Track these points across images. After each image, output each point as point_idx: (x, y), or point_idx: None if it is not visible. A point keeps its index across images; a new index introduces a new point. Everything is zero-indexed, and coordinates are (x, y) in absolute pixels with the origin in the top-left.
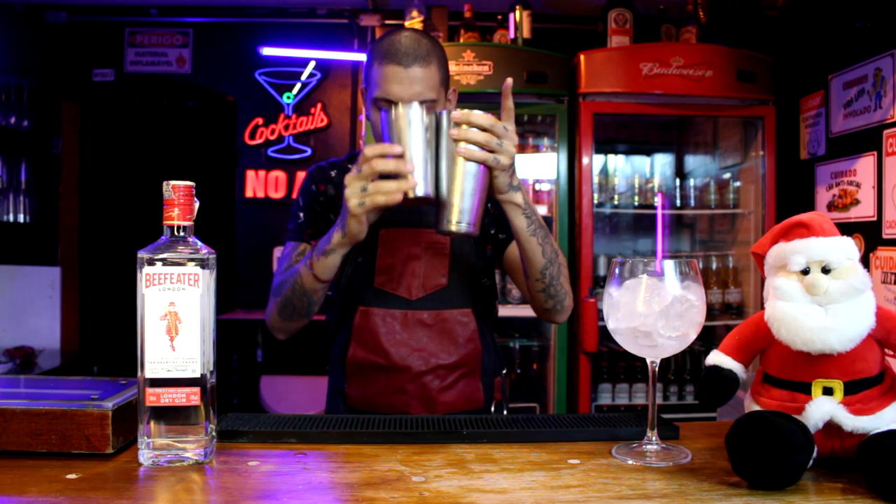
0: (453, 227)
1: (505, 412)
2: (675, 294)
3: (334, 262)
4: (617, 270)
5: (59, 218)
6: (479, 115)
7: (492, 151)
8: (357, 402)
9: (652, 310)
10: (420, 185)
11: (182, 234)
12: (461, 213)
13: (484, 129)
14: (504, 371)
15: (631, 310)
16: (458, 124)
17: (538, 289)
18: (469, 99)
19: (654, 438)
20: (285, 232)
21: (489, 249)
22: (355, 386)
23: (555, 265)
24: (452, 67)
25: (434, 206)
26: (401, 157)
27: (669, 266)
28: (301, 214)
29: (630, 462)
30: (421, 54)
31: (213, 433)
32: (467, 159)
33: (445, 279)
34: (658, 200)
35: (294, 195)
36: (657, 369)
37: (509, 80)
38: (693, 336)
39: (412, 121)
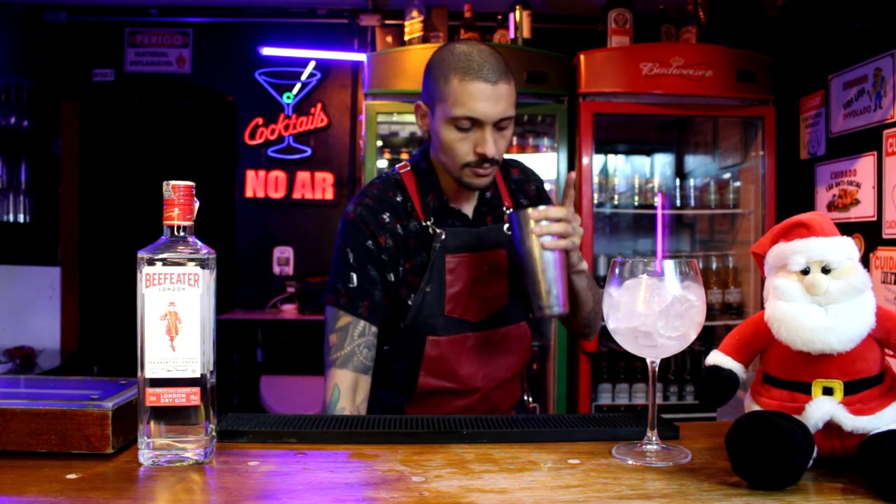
0: (547, 312)
1: (530, 398)
2: (675, 294)
3: None
4: (617, 270)
5: (59, 218)
6: (554, 210)
7: (567, 236)
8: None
9: (652, 310)
10: (556, 305)
11: (182, 234)
12: (552, 298)
13: (559, 220)
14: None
15: (631, 310)
16: (536, 220)
17: (581, 323)
18: None
19: (654, 438)
20: (332, 289)
21: None
22: (420, 407)
23: (597, 306)
24: None
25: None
26: None
27: (669, 266)
28: (353, 277)
29: (630, 462)
30: (502, 69)
31: (213, 433)
32: (549, 249)
33: (505, 298)
34: (658, 200)
35: (294, 195)
36: (657, 369)
37: (573, 175)
38: (693, 336)
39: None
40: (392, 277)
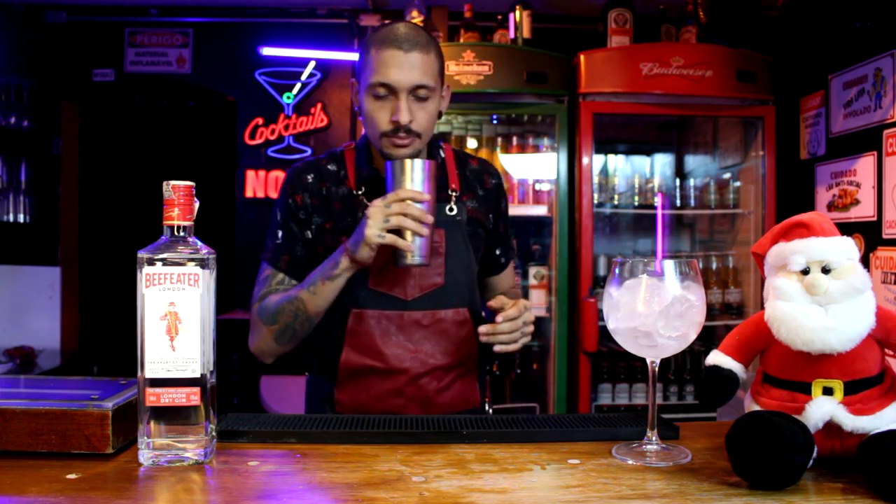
0: (409, 261)
1: (490, 410)
2: (675, 294)
3: (340, 285)
4: (617, 270)
5: (59, 218)
6: (505, 325)
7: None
8: (348, 408)
9: (652, 310)
10: (416, 253)
11: (182, 234)
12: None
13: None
14: (487, 368)
15: (631, 310)
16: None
17: None
18: (468, 99)
19: (654, 438)
20: (266, 245)
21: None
22: (347, 391)
23: None
24: (452, 67)
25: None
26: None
27: (669, 266)
28: (279, 234)
29: (630, 462)
30: (421, 42)
31: (213, 433)
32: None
33: (441, 278)
34: (658, 200)
35: None
36: (657, 369)
37: (501, 299)
38: (693, 336)
39: (423, 177)
40: (309, 235)
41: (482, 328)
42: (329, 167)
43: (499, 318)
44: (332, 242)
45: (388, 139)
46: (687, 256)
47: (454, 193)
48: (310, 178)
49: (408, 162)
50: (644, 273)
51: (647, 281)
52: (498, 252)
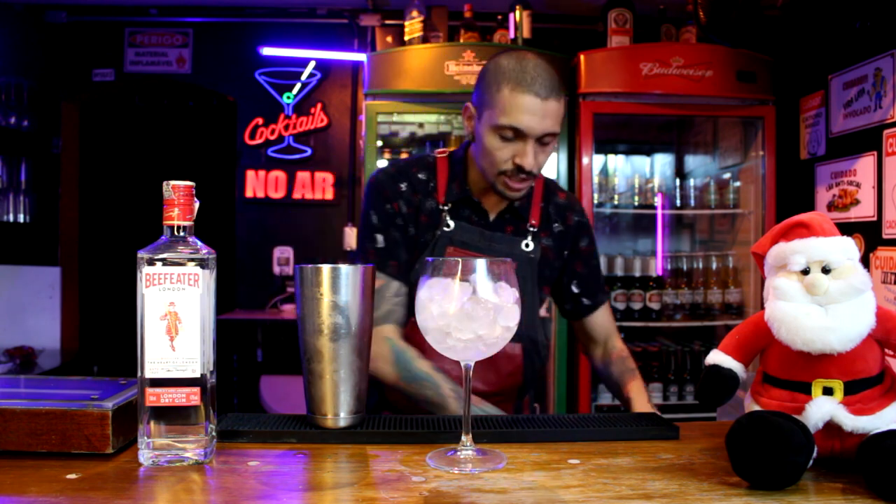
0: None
1: None
2: (479, 295)
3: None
4: (425, 269)
5: (59, 218)
6: None
7: None
8: (399, 403)
9: (444, 310)
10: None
11: (182, 234)
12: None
13: None
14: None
15: (432, 310)
16: None
17: None
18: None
19: (468, 444)
20: (361, 250)
21: (547, 291)
22: (393, 393)
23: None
24: (452, 67)
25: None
26: None
27: (480, 265)
28: (379, 238)
29: (449, 470)
30: (555, 86)
31: (213, 433)
32: None
33: None
34: (658, 200)
35: (294, 195)
36: (470, 371)
37: None
38: (498, 338)
39: None
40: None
41: None
42: (419, 176)
43: None
44: (417, 256)
45: (505, 178)
46: (687, 256)
47: (532, 229)
48: (403, 186)
49: (324, 269)
50: (452, 273)
51: (450, 281)
52: (576, 291)
